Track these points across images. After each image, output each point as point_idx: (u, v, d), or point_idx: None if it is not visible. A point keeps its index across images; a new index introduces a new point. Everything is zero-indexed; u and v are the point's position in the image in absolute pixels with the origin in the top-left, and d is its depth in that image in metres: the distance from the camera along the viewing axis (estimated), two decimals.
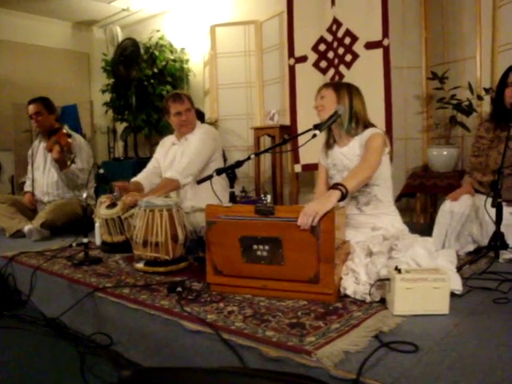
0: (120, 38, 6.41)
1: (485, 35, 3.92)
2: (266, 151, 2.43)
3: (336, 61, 4.02)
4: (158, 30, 6.29)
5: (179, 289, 2.04)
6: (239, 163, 2.23)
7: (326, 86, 2.51)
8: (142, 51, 5.93)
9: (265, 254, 1.95)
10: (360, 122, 2.41)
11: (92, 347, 2.00)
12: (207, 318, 1.72)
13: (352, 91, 2.42)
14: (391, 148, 2.45)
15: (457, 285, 1.95)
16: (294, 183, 4.53)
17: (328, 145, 2.56)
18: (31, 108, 3.95)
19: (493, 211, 2.53)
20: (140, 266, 2.50)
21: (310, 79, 4.15)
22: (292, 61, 4.27)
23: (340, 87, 2.44)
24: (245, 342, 1.51)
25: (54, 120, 4.02)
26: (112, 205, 3.01)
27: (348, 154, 2.42)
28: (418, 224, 3.87)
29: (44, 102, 3.99)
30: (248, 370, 1.36)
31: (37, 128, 4.05)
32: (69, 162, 3.79)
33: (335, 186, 2.00)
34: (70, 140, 3.84)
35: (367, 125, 2.43)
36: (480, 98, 3.78)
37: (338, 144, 2.51)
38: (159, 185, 3.14)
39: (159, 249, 2.44)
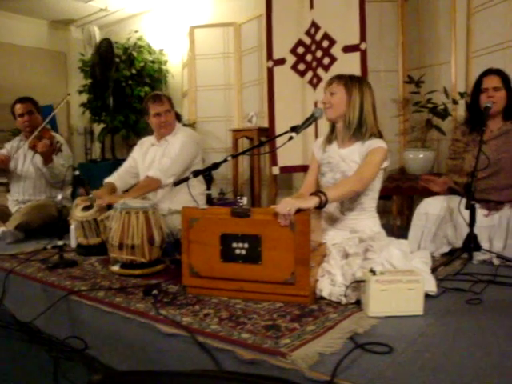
0: (98, 38, 6.34)
1: (460, 41, 3.99)
2: (242, 153, 2.43)
3: (314, 63, 4.05)
4: (137, 31, 6.25)
5: (155, 292, 2.03)
6: (216, 165, 2.23)
7: (338, 79, 2.38)
8: (120, 52, 5.92)
9: (243, 252, 1.96)
10: (369, 126, 2.32)
11: (66, 351, 1.97)
12: (183, 321, 1.71)
13: (364, 92, 2.33)
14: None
15: (431, 286, 1.97)
16: (272, 185, 4.54)
17: (328, 140, 2.49)
18: (23, 107, 3.87)
19: (466, 213, 2.58)
20: (116, 268, 2.47)
21: (288, 82, 4.17)
22: (270, 63, 4.28)
23: (352, 87, 2.32)
24: (220, 344, 1.51)
25: (41, 120, 3.97)
26: (88, 207, 2.97)
27: (346, 157, 2.37)
28: (394, 226, 3.91)
29: (33, 101, 3.95)
30: (219, 372, 1.35)
31: (27, 127, 3.94)
32: (54, 156, 3.75)
33: (317, 193, 1.99)
34: (53, 134, 3.81)
35: (375, 131, 2.35)
36: (455, 102, 3.84)
37: (337, 142, 2.45)
38: (141, 183, 3.13)
39: (135, 251, 2.41)
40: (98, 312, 1.97)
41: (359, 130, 2.32)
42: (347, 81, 2.35)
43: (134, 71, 5.94)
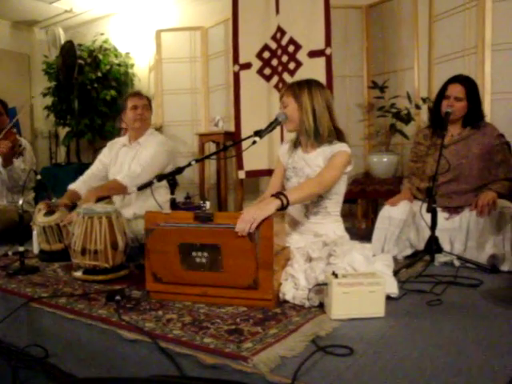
0: (62, 40, 6.24)
1: (422, 48, 4.09)
2: (206, 158, 2.43)
3: (280, 68, 4.07)
4: (103, 34, 6.17)
5: (118, 297, 2.00)
6: (180, 170, 2.21)
7: (286, 91, 2.38)
8: (85, 54, 5.83)
9: (204, 260, 1.94)
10: (325, 128, 2.31)
11: (26, 360, 1.92)
12: (145, 327, 1.69)
13: (314, 95, 2.31)
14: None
15: (393, 288, 2.01)
16: (238, 190, 4.55)
17: (294, 145, 2.49)
18: None
19: (428, 216, 2.63)
20: (78, 274, 2.43)
21: (254, 86, 4.18)
22: (236, 67, 4.29)
23: (301, 95, 2.31)
24: (182, 349, 1.50)
25: (8, 122, 3.88)
26: (50, 212, 2.92)
27: (310, 161, 2.38)
28: (359, 229, 3.97)
29: (2, 103, 3.86)
30: (177, 378, 1.35)
31: None
32: (14, 159, 3.67)
33: (277, 195, 1.99)
34: (18, 138, 3.74)
35: (337, 134, 2.36)
36: (418, 107, 3.93)
37: (302, 148, 2.46)
38: (107, 184, 3.08)
39: (98, 257, 2.38)
40: (59, 319, 1.93)
41: (318, 134, 2.32)
42: (295, 90, 2.34)
43: (99, 74, 5.86)
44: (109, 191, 2.98)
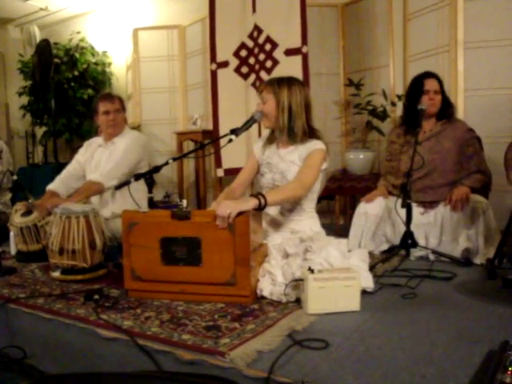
0: (38, 39, 6.17)
1: (397, 45, 4.15)
2: (183, 156, 2.45)
3: (257, 66, 4.10)
4: (79, 32, 6.12)
5: (96, 296, 2.01)
6: (157, 168, 2.23)
7: (266, 87, 2.38)
8: (61, 53, 5.78)
9: (183, 255, 1.97)
10: (299, 127, 2.33)
11: (3, 362, 1.92)
12: (123, 325, 1.70)
13: (292, 93, 2.31)
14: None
15: (368, 283, 2.05)
16: (217, 188, 4.56)
17: (269, 141, 2.51)
18: None
19: (403, 212, 2.68)
20: (56, 274, 2.42)
21: (231, 84, 4.20)
22: (214, 66, 4.30)
23: (280, 92, 2.32)
24: (160, 346, 1.51)
25: None
26: (27, 212, 2.90)
27: (285, 157, 2.39)
28: (337, 225, 4.01)
29: None
30: (151, 372, 1.37)
31: None
32: None
33: (256, 195, 2.01)
34: None
35: (312, 131, 2.37)
36: (393, 104, 3.99)
37: (276, 144, 2.47)
38: (82, 187, 3.06)
39: (76, 256, 2.38)
40: (37, 319, 1.93)
41: (292, 133, 2.34)
42: (275, 86, 2.34)
43: (76, 73, 5.82)
44: (84, 193, 2.95)
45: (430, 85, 2.98)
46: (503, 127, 3.40)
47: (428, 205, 2.95)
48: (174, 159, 2.24)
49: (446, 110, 3.01)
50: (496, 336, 1.51)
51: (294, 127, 2.33)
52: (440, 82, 3.01)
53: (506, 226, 2.46)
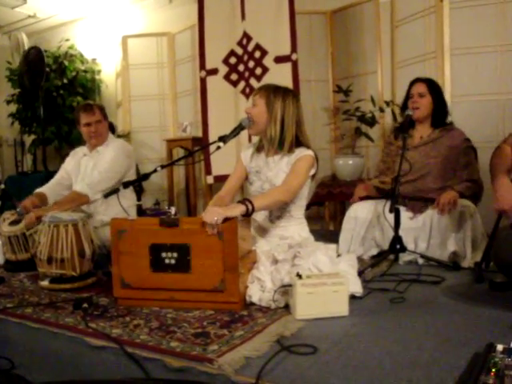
0: (26, 46, 6.15)
1: (385, 52, 4.19)
2: (172, 164, 2.45)
3: (246, 74, 4.12)
4: (68, 39, 6.10)
5: (85, 305, 2.00)
6: (146, 176, 2.23)
7: (260, 91, 2.37)
8: (50, 61, 5.77)
9: (173, 261, 1.97)
10: (290, 140, 2.32)
11: None
12: (112, 333, 1.70)
13: (286, 105, 2.30)
14: (317, 167, 2.42)
15: (357, 288, 2.06)
16: (207, 195, 4.56)
17: (257, 149, 2.49)
18: None
19: (392, 217, 2.70)
20: (45, 283, 2.42)
21: (221, 91, 4.22)
22: (203, 73, 4.31)
23: (274, 102, 2.30)
24: (149, 354, 1.52)
25: None
26: (16, 221, 2.88)
27: (273, 165, 2.39)
28: (327, 231, 4.03)
29: None
30: (135, 379, 1.37)
31: None
32: None
33: (243, 201, 2.02)
34: None
35: (300, 141, 2.37)
36: (382, 110, 4.02)
37: (265, 152, 2.46)
38: (67, 197, 3.05)
39: (65, 265, 2.37)
40: (25, 329, 1.92)
41: (281, 144, 2.33)
42: (270, 94, 2.32)
43: (65, 81, 5.80)
44: (70, 204, 2.95)
45: (415, 89, 3.04)
46: (490, 133, 3.43)
47: (417, 209, 2.97)
48: (163, 167, 2.25)
49: (439, 117, 3.04)
50: (483, 339, 1.52)
51: (284, 139, 2.32)
52: (431, 86, 3.03)
53: (493, 229, 2.49)
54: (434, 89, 3.04)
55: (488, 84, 3.53)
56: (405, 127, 2.89)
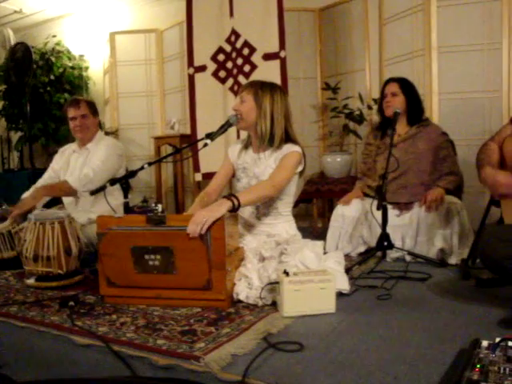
0: (12, 42, 6.08)
1: (373, 50, 4.20)
2: (159, 161, 2.44)
3: (235, 71, 4.10)
4: (55, 36, 6.05)
5: (71, 303, 1.98)
6: (133, 173, 2.21)
7: (247, 87, 2.38)
8: (37, 57, 5.71)
9: (157, 263, 1.95)
10: (279, 135, 2.32)
11: None
12: (98, 331, 1.69)
13: (275, 101, 2.31)
14: (305, 164, 2.42)
15: (344, 285, 2.06)
16: (195, 192, 4.55)
17: (245, 146, 2.49)
18: None
19: (379, 214, 2.71)
20: (31, 281, 2.39)
21: (209, 88, 4.20)
22: (191, 70, 4.29)
23: (263, 97, 2.31)
24: (135, 352, 1.51)
25: None
26: (1, 219, 2.85)
27: (260, 162, 2.39)
28: (315, 228, 4.03)
29: None
30: (120, 377, 1.36)
31: None
32: None
33: (229, 197, 2.01)
34: None
35: (289, 137, 2.37)
36: (370, 107, 4.03)
37: (252, 148, 2.47)
38: (57, 185, 3.06)
39: (51, 263, 2.35)
40: (10, 328, 1.90)
41: (271, 140, 2.33)
42: (257, 90, 2.33)
43: (52, 77, 5.76)
44: (58, 192, 2.96)
45: (388, 89, 3.10)
46: (476, 130, 3.46)
47: (403, 206, 2.99)
48: (150, 164, 2.23)
49: (414, 114, 3.07)
50: (468, 335, 1.54)
51: (275, 134, 2.32)
52: (402, 83, 3.08)
53: (479, 226, 2.51)
54: (407, 88, 3.08)
55: (474, 82, 3.55)
56: (392, 124, 2.91)
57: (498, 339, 1.32)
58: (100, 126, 3.41)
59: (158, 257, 1.94)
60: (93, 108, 3.26)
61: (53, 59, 5.82)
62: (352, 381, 1.28)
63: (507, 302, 1.85)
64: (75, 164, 3.20)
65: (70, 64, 5.97)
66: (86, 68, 6.12)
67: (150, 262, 1.96)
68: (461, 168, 3.03)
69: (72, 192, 2.99)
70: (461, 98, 3.60)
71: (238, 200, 2.01)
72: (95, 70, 6.08)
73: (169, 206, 5.20)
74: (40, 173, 3.44)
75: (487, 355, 1.26)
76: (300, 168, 2.37)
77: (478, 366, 1.19)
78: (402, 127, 3.09)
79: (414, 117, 3.07)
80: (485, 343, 1.33)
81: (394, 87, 3.07)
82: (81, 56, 6.10)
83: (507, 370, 1.17)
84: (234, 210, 2.00)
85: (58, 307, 2.00)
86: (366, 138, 3.41)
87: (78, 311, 1.95)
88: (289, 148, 2.32)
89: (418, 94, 3.13)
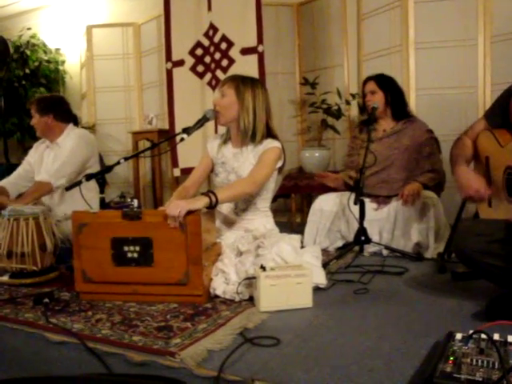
0: None
1: (351, 45, 4.22)
2: (135, 156, 2.42)
3: (213, 65, 4.08)
4: (30, 28, 5.94)
5: (46, 300, 1.95)
6: (109, 168, 2.19)
7: (228, 82, 2.35)
8: (11, 50, 5.59)
9: (135, 255, 1.94)
10: (261, 130, 2.32)
11: None
12: (73, 328, 1.67)
13: (256, 96, 2.30)
14: (284, 159, 2.42)
15: (321, 279, 2.07)
16: (174, 188, 4.52)
17: (224, 140, 2.47)
18: None
19: (356, 209, 2.73)
20: (5, 278, 2.35)
21: (187, 83, 4.17)
22: (169, 65, 4.26)
23: (244, 92, 2.29)
24: (110, 348, 1.49)
25: None
26: None
27: (240, 156, 2.38)
28: (294, 223, 4.04)
29: None
30: (94, 375, 1.35)
31: None
32: None
33: (207, 193, 2.00)
34: None
35: (270, 132, 2.36)
36: (348, 102, 4.05)
37: (232, 143, 2.45)
38: (30, 189, 2.99)
39: (25, 259, 2.31)
40: None
41: (254, 134, 2.31)
42: (239, 84, 2.32)
43: (27, 71, 5.65)
44: (33, 194, 2.89)
45: (366, 88, 3.15)
46: (453, 125, 3.49)
47: (382, 200, 3.01)
48: (126, 159, 2.21)
49: (398, 109, 3.09)
50: (444, 328, 1.54)
51: (257, 129, 2.31)
52: (380, 82, 3.11)
53: (455, 220, 2.55)
54: (384, 83, 3.11)
55: (451, 78, 3.59)
56: (371, 120, 2.95)
57: (471, 331, 1.34)
58: (76, 121, 3.34)
59: (137, 248, 1.94)
60: (39, 106, 3.15)
61: (28, 52, 5.71)
62: (328, 375, 1.29)
63: (481, 295, 1.88)
64: (48, 159, 3.16)
65: (46, 57, 5.87)
66: (63, 62, 6.03)
67: (129, 254, 1.95)
68: None
69: (47, 188, 2.94)
70: (437, 93, 3.64)
71: (216, 197, 2.00)
72: (72, 63, 5.98)
73: (147, 201, 5.16)
74: (15, 168, 3.37)
75: (460, 347, 1.27)
76: (280, 164, 2.37)
77: (452, 358, 1.20)
78: (387, 122, 3.12)
79: (399, 111, 3.10)
80: (459, 336, 1.34)
81: (371, 85, 3.11)
82: (57, 49, 6.00)
83: (479, 361, 1.19)
84: (211, 206, 1.99)
85: (33, 304, 1.97)
86: (352, 131, 3.46)
87: (53, 308, 1.92)
88: (269, 143, 2.31)
89: (399, 88, 3.16)
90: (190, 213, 1.88)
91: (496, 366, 1.17)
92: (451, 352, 1.24)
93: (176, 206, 1.87)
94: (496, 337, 1.32)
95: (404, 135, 3.05)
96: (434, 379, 1.12)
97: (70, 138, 3.11)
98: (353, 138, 3.35)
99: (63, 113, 3.21)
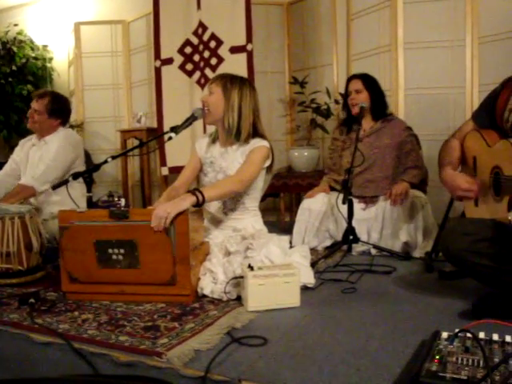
0: None
1: (340, 44, 4.22)
2: (123, 154, 2.41)
3: (202, 64, 4.07)
4: (17, 24, 5.86)
5: (31, 300, 1.93)
6: (96, 167, 2.17)
7: (219, 80, 2.34)
8: None
9: (120, 257, 1.92)
10: (247, 130, 2.30)
11: None
12: (59, 328, 1.65)
13: (243, 95, 2.30)
14: (273, 159, 2.41)
15: (309, 278, 2.07)
16: (162, 186, 4.50)
17: (212, 140, 2.46)
18: None
19: (345, 208, 2.74)
20: None
21: (176, 81, 4.16)
22: (158, 63, 4.24)
23: (231, 90, 2.29)
24: (96, 349, 1.48)
25: None
26: None
27: (227, 156, 2.36)
28: (283, 222, 4.04)
29: None
30: (77, 376, 1.34)
31: None
32: None
33: (193, 192, 1.99)
34: None
35: (257, 131, 2.35)
36: (337, 102, 4.05)
37: (219, 142, 2.44)
38: (13, 191, 2.95)
39: (11, 259, 2.28)
40: None
41: (238, 133, 2.30)
42: (226, 83, 2.31)
43: (14, 68, 5.59)
44: (15, 197, 2.85)
45: (351, 86, 3.15)
46: (441, 125, 3.51)
47: (369, 200, 3.02)
48: (114, 157, 2.19)
49: (379, 109, 3.11)
50: (431, 327, 1.55)
51: (242, 128, 2.30)
52: (364, 80, 3.12)
53: (443, 220, 2.56)
54: (370, 83, 3.12)
55: (439, 78, 3.60)
56: (359, 119, 2.96)
57: (456, 330, 1.34)
58: (63, 123, 3.28)
59: (122, 251, 1.91)
60: (53, 108, 3.10)
61: (15, 49, 5.65)
62: (315, 374, 1.29)
63: (468, 294, 1.89)
64: (33, 158, 3.12)
65: (33, 54, 5.80)
66: (50, 59, 5.96)
67: (114, 257, 1.93)
68: (426, 163, 3.08)
69: (30, 192, 2.90)
70: (426, 93, 3.65)
71: (203, 195, 1.99)
72: (60, 61, 5.92)
73: (135, 200, 5.13)
74: (1, 166, 3.33)
75: (446, 346, 1.28)
76: (268, 163, 2.36)
77: (437, 356, 1.21)
78: (367, 122, 3.13)
79: (378, 112, 3.11)
80: (445, 334, 1.35)
81: (357, 84, 3.11)
82: (44, 46, 5.93)
83: (464, 360, 1.19)
84: (198, 204, 1.98)
85: (18, 305, 1.95)
86: (332, 134, 3.44)
87: (39, 308, 1.90)
88: (256, 143, 2.31)
89: (381, 89, 3.17)
90: (178, 214, 1.87)
91: (481, 364, 1.17)
92: (437, 351, 1.25)
93: (163, 211, 1.86)
94: (481, 335, 1.33)
95: (383, 134, 3.07)
96: (420, 378, 1.12)
97: (57, 138, 3.06)
98: (333, 139, 3.35)
99: (68, 117, 3.22)
